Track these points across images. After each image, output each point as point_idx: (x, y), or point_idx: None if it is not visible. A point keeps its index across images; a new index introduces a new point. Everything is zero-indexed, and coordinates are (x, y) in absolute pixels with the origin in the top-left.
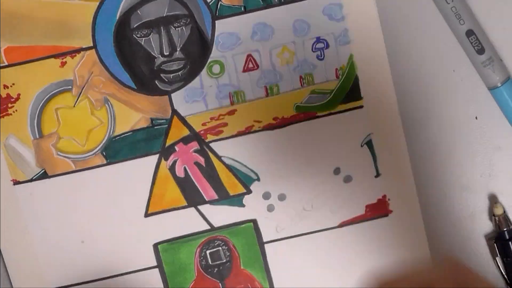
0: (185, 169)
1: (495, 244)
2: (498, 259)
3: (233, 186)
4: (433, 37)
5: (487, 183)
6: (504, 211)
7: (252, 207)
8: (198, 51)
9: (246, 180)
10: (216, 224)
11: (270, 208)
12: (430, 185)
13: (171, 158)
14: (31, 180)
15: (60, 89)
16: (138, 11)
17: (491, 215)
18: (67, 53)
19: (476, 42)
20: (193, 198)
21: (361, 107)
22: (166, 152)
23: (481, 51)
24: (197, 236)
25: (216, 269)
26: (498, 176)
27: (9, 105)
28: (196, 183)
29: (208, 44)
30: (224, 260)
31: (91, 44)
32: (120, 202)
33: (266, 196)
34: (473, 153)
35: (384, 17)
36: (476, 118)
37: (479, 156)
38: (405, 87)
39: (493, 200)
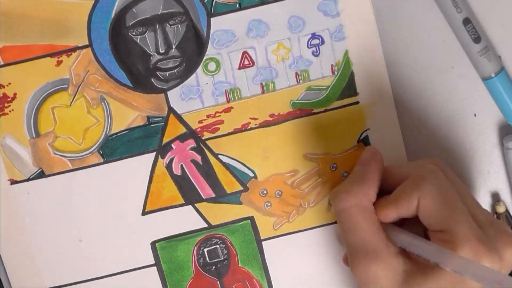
0: (182, 167)
1: None
2: None
3: (230, 184)
4: (429, 32)
5: (486, 181)
6: (507, 209)
7: (249, 204)
8: (194, 48)
9: (243, 177)
10: (214, 221)
11: (267, 205)
12: None
13: (168, 156)
14: (28, 180)
15: (56, 88)
16: (133, 9)
17: (493, 212)
18: (63, 51)
19: (472, 30)
20: (190, 196)
21: (357, 103)
22: (162, 150)
23: (477, 39)
24: (194, 234)
25: (214, 267)
26: (498, 173)
27: (6, 104)
28: (193, 180)
29: (204, 42)
30: (222, 258)
31: (87, 43)
32: (117, 200)
33: (263, 193)
34: (472, 150)
35: (379, 12)
36: (475, 115)
37: (478, 153)
38: (401, 83)
39: (495, 198)
